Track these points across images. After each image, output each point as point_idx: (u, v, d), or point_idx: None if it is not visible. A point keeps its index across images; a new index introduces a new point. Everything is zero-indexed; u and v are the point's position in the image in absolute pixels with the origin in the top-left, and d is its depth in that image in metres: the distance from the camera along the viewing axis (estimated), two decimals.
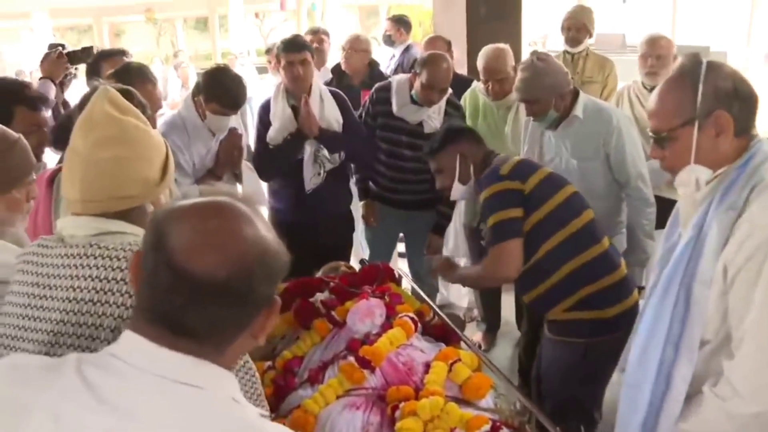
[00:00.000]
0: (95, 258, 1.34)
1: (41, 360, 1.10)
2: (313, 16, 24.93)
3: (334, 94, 3.58)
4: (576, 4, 4.65)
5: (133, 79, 2.58)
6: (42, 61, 3.35)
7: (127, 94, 1.99)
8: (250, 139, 3.84)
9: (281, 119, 3.43)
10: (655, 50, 3.65)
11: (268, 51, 6.42)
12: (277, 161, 3.49)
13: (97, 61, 3.40)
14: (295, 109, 3.44)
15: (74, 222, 1.40)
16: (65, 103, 3.55)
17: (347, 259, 3.83)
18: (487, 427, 1.80)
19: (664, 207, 3.60)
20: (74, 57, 3.43)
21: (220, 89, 3.03)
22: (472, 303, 4.51)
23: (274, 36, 32.83)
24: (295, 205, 3.54)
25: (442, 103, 3.55)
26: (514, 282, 2.57)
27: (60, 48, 3.39)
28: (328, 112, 3.48)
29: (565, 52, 4.38)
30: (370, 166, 3.76)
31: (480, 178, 2.56)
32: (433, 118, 3.53)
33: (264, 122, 3.54)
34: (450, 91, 3.61)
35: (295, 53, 3.37)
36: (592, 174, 3.01)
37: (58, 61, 3.32)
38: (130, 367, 0.98)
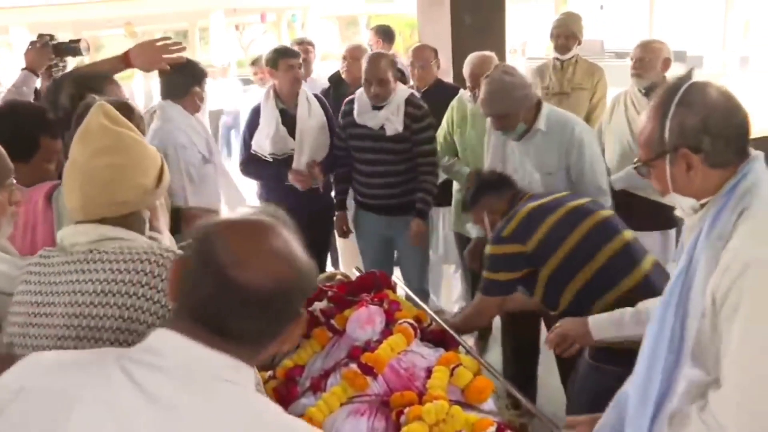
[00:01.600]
0: (95, 263, 1.41)
1: (75, 354, 1.16)
2: (293, 27, 25.03)
3: (316, 97, 3.99)
4: (564, 12, 4.69)
5: (99, 83, 2.55)
6: (26, 51, 3.17)
7: (126, 108, 2.02)
8: (233, 149, 4.06)
9: (268, 120, 3.82)
10: (639, 53, 3.70)
11: (254, 63, 6.44)
12: (263, 175, 3.96)
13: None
14: (283, 112, 3.84)
15: (75, 230, 1.47)
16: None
17: (327, 236, 4.15)
18: (493, 429, 1.82)
19: (651, 209, 3.67)
20: (60, 49, 3.26)
21: (198, 67, 3.30)
22: (463, 309, 4.53)
23: (254, 47, 32.88)
24: (283, 195, 3.80)
25: (401, 103, 3.62)
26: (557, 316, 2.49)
27: (47, 38, 3.22)
28: (314, 114, 3.88)
29: (555, 59, 4.42)
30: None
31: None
32: (393, 120, 3.61)
33: (251, 128, 3.92)
34: (410, 91, 3.76)
35: (295, 58, 3.84)
36: (555, 187, 2.95)
37: (42, 51, 3.14)
38: (170, 363, 1.04)
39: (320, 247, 4.12)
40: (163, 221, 1.66)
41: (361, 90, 3.74)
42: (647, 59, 3.66)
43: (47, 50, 3.16)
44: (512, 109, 2.92)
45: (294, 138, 3.82)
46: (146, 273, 1.38)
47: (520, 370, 3.18)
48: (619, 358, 2.26)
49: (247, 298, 1.04)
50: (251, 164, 3.95)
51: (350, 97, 3.83)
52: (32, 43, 3.18)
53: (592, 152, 3.01)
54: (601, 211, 2.53)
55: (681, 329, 1.48)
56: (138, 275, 1.38)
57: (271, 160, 3.86)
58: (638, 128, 1.60)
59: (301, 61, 3.87)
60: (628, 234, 2.46)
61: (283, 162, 3.84)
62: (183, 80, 3.23)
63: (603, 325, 2.07)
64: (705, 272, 1.44)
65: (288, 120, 3.84)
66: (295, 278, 1.08)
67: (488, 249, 2.53)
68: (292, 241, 1.11)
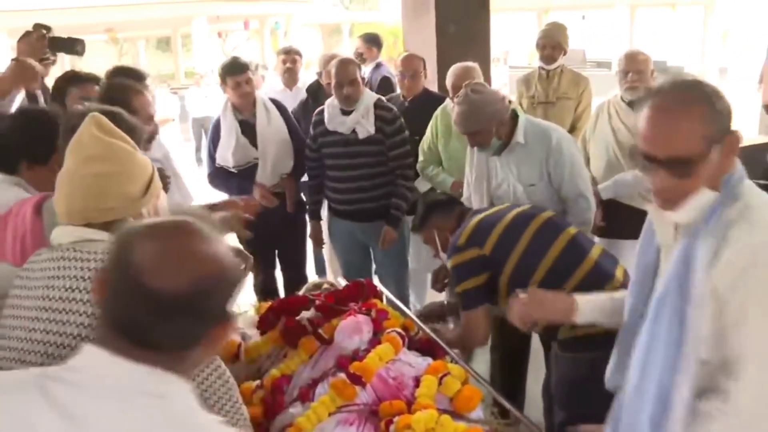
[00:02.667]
0: (71, 260, 1.46)
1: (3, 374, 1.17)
2: (276, 35, 24.98)
3: (274, 103, 4.03)
4: (550, 22, 4.72)
5: (128, 95, 2.54)
6: (19, 40, 3.02)
7: (117, 116, 2.01)
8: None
9: (228, 132, 3.89)
10: (634, 65, 3.68)
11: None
12: (230, 187, 3.97)
13: (66, 84, 3.16)
14: (242, 123, 3.90)
15: (61, 231, 1.53)
16: (45, 89, 3.31)
17: (303, 236, 4.21)
18: None
19: (637, 218, 3.70)
20: (56, 43, 3.09)
21: (136, 73, 3.28)
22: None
23: (237, 55, 32.75)
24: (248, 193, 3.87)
25: (370, 107, 3.69)
26: None
27: (44, 30, 3.05)
28: (273, 120, 3.94)
29: (540, 68, 4.45)
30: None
31: (448, 246, 2.66)
32: (364, 124, 3.67)
33: (214, 141, 3.99)
34: (377, 96, 3.82)
35: (240, 75, 3.81)
36: (538, 197, 3.01)
37: (37, 44, 2.98)
38: (90, 379, 1.04)
39: (297, 254, 4.23)
40: None
41: (331, 98, 3.80)
42: (644, 70, 3.67)
43: (42, 43, 3.02)
44: (481, 126, 2.97)
45: (256, 147, 3.88)
46: None
47: (509, 379, 3.18)
48: (589, 344, 2.36)
49: (162, 303, 1.03)
50: (217, 177, 4.01)
51: (320, 108, 3.87)
52: (27, 33, 3.03)
53: (571, 159, 3.04)
54: (544, 213, 2.65)
55: (680, 320, 1.50)
56: None
57: (236, 171, 3.92)
58: (655, 129, 1.51)
59: (248, 75, 3.88)
60: (573, 229, 2.60)
61: (248, 171, 3.91)
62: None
63: (589, 308, 1.97)
64: (705, 262, 1.47)
65: (248, 130, 3.89)
66: (213, 278, 1.08)
67: (450, 263, 2.58)
68: (210, 241, 1.10)
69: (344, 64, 3.69)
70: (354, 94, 3.64)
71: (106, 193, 1.50)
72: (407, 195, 3.76)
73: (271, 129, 3.91)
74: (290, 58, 5.13)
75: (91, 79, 3.19)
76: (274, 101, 4.06)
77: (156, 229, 1.10)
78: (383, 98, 3.87)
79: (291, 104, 4.45)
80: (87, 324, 1.40)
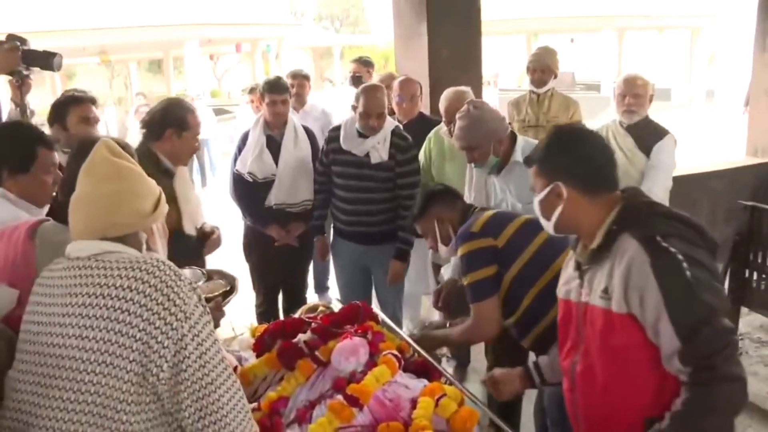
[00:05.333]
0: (92, 269, 1.55)
1: None
2: (267, 57, 25.08)
3: (305, 129, 4.15)
4: (540, 46, 4.79)
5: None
6: None
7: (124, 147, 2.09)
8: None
9: (254, 143, 4.03)
10: (632, 89, 3.71)
11: (251, 90, 6.79)
12: (246, 199, 4.11)
13: (65, 106, 3.12)
14: (270, 139, 4.04)
15: (79, 245, 1.62)
16: (23, 109, 3.01)
17: (308, 261, 4.36)
18: None
19: None
20: (30, 57, 2.93)
21: None
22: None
23: (229, 77, 32.88)
24: (262, 219, 4.09)
25: (388, 134, 3.70)
26: (513, 329, 2.62)
27: (17, 42, 2.91)
28: (300, 143, 4.08)
29: (531, 92, 4.51)
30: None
31: (457, 235, 2.67)
32: (379, 149, 3.68)
33: (240, 150, 4.11)
34: (395, 123, 3.84)
35: (278, 94, 3.99)
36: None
37: (9, 55, 2.85)
38: None
39: (299, 278, 4.36)
40: (160, 244, 1.77)
41: (349, 117, 3.81)
42: (641, 95, 3.71)
43: (15, 54, 2.90)
44: (478, 141, 3.02)
45: (277, 165, 3.98)
46: (136, 279, 1.49)
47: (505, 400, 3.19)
48: None
49: None
50: (237, 188, 4.11)
51: (336, 125, 3.90)
52: None
53: None
54: None
55: None
56: (129, 281, 1.49)
57: (250, 180, 4.03)
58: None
59: (286, 97, 4.01)
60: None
61: (264, 186, 4.02)
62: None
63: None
64: None
65: (273, 146, 4.01)
66: None
67: (461, 251, 2.57)
68: None
69: (376, 95, 3.67)
70: (380, 126, 3.66)
71: (119, 210, 1.61)
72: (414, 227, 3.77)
73: (296, 151, 4.02)
74: (298, 82, 5.20)
75: (88, 99, 3.18)
76: (306, 129, 4.16)
77: None
78: (401, 126, 3.90)
79: None
80: (110, 329, 1.45)
